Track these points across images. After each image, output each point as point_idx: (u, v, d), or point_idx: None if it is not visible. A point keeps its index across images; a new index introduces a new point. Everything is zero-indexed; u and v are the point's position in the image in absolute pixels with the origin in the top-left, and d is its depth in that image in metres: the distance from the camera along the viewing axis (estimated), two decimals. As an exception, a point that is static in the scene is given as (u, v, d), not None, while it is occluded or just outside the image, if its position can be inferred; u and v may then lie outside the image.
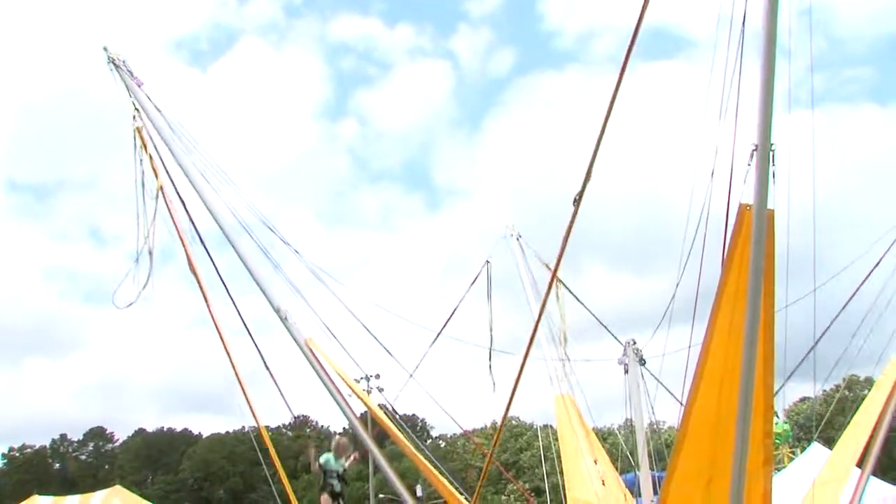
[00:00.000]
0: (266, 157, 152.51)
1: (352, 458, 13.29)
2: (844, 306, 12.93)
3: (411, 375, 13.22)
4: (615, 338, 15.87)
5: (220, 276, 11.69)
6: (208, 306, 11.57)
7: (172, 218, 11.71)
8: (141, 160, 11.85)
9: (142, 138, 11.79)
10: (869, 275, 13.00)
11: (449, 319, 14.83)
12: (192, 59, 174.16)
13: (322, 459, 12.94)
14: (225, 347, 11.56)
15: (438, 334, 14.14)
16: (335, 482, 12.92)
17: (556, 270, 9.30)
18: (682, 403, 7.95)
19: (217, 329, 11.59)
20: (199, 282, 11.58)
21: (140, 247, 11.74)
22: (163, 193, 11.74)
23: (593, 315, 17.02)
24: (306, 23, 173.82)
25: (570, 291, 17.22)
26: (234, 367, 11.59)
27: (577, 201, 7.82)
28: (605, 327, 16.39)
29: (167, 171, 11.73)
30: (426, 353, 13.79)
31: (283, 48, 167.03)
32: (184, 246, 11.68)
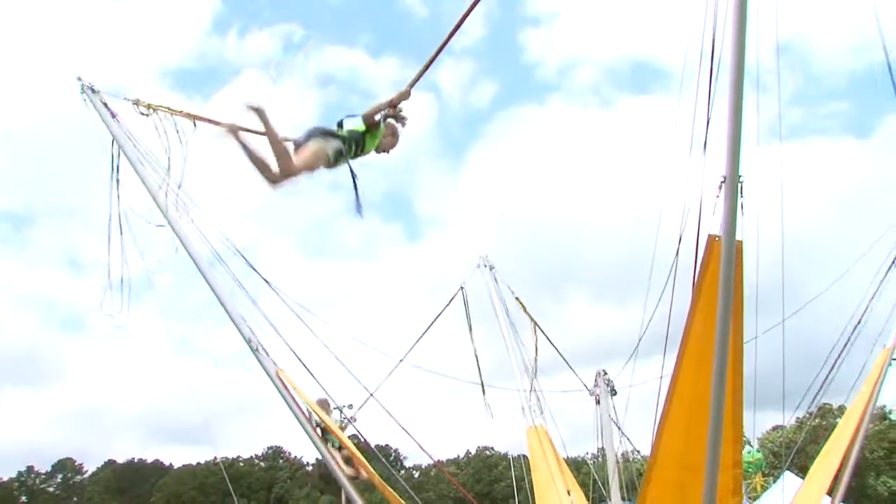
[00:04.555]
0: (249, 189, 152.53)
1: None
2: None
3: (389, 412, 13.18)
4: (574, 372, 15.95)
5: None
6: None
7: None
8: (117, 182, 11.89)
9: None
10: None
11: (415, 344, 14.75)
12: (180, 88, 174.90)
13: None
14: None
15: (402, 360, 14.05)
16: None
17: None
18: (653, 431, 7.99)
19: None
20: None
21: (117, 270, 11.79)
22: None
23: (557, 349, 17.08)
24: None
25: (537, 324, 17.26)
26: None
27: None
28: (567, 362, 16.44)
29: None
30: (387, 377, 13.67)
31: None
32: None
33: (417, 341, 14.74)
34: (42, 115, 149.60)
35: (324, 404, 13.21)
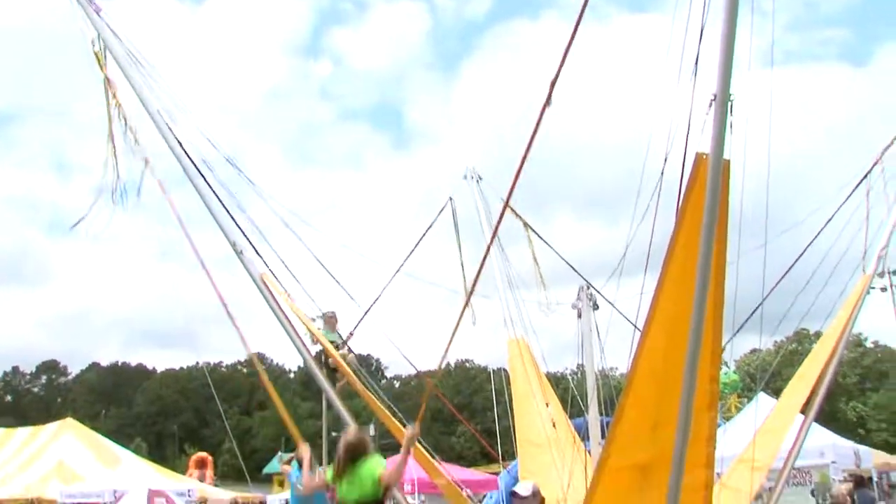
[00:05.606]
0: (239, 93, 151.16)
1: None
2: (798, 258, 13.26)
3: (366, 312, 13.26)
4: (583, 278, 15.86)
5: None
6: (188, 235, 11.52)
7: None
8: (107, 87, 11.76)
9: (100, 64, 11.67)
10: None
11: (408, 257, 14.75)
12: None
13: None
14: (209, 276, 11.51)
15: (397, 272, 14.08)
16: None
17: (507, 203, 9.28)
18: (632, 346, 8.08)
19: (200, 259, 11.52)
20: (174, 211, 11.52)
21: (108, 176, 11.80)
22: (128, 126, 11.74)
23: (552, 247, 17.08)
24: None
25: (529, 227, 17.27)
26: (220, 295, 11.52)
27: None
28: (574, 268, 16.31)
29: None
30: (383, 290, 13.71)
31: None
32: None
33: (410, 253, 14.76)
34: (29, 14, 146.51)
35: (331, 320, 13.25)
